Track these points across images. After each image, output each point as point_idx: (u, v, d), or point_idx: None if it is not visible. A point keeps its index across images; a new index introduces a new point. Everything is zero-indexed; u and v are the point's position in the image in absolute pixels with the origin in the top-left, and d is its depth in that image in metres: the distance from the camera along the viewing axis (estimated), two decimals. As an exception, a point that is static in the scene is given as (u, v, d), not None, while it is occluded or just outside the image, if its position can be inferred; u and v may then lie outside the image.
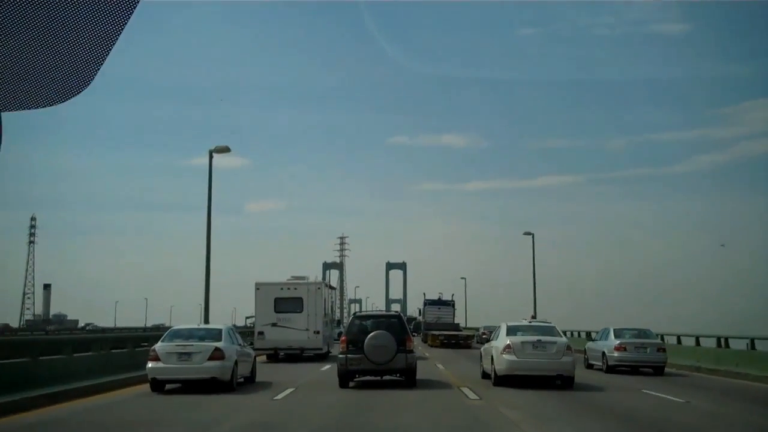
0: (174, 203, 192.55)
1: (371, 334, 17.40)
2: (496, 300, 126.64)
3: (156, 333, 31.69)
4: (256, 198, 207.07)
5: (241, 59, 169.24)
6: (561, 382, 17.79)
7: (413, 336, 22.42)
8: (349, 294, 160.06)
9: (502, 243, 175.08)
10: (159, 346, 16.95)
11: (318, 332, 28.87)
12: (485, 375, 19.68)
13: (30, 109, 2.29)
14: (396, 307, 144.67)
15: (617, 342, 23.78)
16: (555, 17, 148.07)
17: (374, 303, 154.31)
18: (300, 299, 28.85)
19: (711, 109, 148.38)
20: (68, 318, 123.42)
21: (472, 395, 15.72)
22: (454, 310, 50.50)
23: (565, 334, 23.78)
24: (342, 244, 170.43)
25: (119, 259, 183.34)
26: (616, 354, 23.54)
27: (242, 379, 17.99)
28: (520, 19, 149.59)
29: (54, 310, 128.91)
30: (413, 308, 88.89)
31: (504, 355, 17.99)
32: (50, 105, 2.26)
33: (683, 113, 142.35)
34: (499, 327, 20.22)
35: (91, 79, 2.20)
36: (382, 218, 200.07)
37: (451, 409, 13.62)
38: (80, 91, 2.24)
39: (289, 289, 29.29)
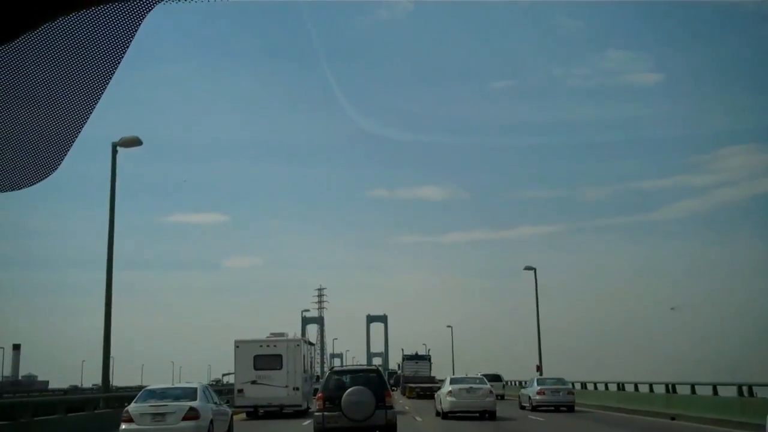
0: (143, 261, 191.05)
1: (349, 390, 16.92)
2: (483, 348, 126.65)
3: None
4: (234, 254, 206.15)
5: (215, 115, 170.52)
6: (488, 416, 25.99)
7: (393, 390, 23.25)
8: (330, 348, 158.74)
9: (483, 292, 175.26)
10: (132, 407, 16.64)
11: (297, 388, 28.71)
12: (437, 413, 27.72)
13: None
14: (378, 361, 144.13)
15: (538, 388, 31.60)
16: (528, 69, 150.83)
17: (355, 357, 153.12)
18: (279, 356, 28.73)
19: (686, 156, 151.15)
20: (39, 379, 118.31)
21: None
22: (431, 363, 54.62)
23: (509, 383, 42.42)
24: (321, 296, 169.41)
25: (85, 318, 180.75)
26: (538, 397, 31.29)
27: None
28: (492, 72, 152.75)
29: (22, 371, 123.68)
30: (396, 361, 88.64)
31: (447, 398, 26.33)
32: (19, 188, 2.12)
33: (659, 161, 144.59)
34: (446, 378, 29.59)
35: (60, 161, 2.08)
36: (362, 271, 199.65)
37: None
38: (49, 174, 2.12)
39: (268, 346, 29.19)
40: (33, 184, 2.14)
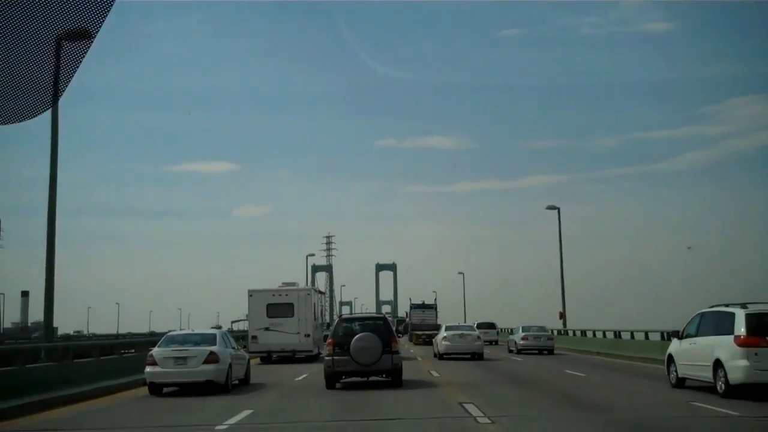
0: (153, 210, 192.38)
1: (357, 336, 17.86)
2: (494, 296, 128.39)
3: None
4: (243, 202, 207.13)
5: (225, 66, 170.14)
6: (476, 356, 30.92)
7: (402, 336, 24.81)
8: (339, 296, 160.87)
9: (493, 242, 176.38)
10: (156, 351, 17.67)
11: (308, 335, 30.20)
12: (435, 355, 32.80)
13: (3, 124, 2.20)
14: (387, 309, 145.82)
15: (522, 334, 36.64)
16: (539, 18, 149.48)
17: (364, 304, 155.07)
18: (291, 305, 30.20)
19: (697, 107, 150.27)
20: None
21: (425, 364, 27.82)
22: (437, 312, 55.94)
23: (502, 330, 51.55)
24: (329, 243, 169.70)
25: (94, 266, 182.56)
26: (522, 342, 36.31)
27: (237, 381, 18.68)
28: (503, 21, 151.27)
29: (31, 318, 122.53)
30: (404, 309, 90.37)
31: (443, 342, 31.55)
32: (19, 121, 2.19)
33: (669, 111, 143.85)
34: (442, 326, 34.70)
35: (60, 95, 2.16)
36: (372, 221, 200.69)
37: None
38: (50, 107, 2.16)
39: (280, 295, 30.66)
40: (33, 117, 2.18)
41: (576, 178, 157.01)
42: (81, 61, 2.19)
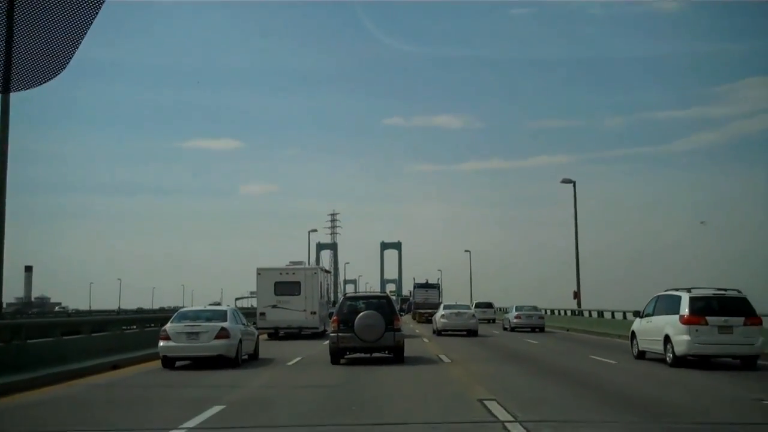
0: (160, 187, 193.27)
1: (361, 314, 18.63)
2: (500, 275, 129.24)
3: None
4: (249, 180, 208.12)
5: (232, 43, 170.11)
6: (471, 333, 33.38)
7: (406, 314, 26.44)
8: (343, 274, 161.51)
9: (499, 221, 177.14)
10: (169, 327, 18.42)
11: (314, 313, 31.34)
12: (434, 331, 35.64)
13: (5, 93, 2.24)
14: (391, 287, 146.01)
15: (516, 313, 40.00)
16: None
17: (368, 283, 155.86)
18: (298, 283, 31.33)
19: (706, 87, 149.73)
20: (51, 301, 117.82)
21: (426, 340, 29.60)
22: (440, 291, 58.51)
23: (499, 309, 54.04)
24: (333, 221, 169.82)
25: (96, 242, 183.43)
26: (515, 320, 39.64)
27: (246, 356, 19.45)
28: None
29: (34, 293, 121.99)
30: (409, 287, 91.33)
31: (441, 320, 34.61)
32: (25, 89, 2.22)
33: (679, 91, 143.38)
34: (441, 305, 38.34)
35: (67, 63, 2.17)
36: (378, 199, 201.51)
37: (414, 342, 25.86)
38: (56, 75, 2.20)
39: (287, 273, 31.80)
40: (41, 84, 2.20)
41: (583, 159, 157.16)
42: (87, 29, 2.20)
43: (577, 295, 43.88)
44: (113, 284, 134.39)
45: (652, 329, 18.92)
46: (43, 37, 2.11)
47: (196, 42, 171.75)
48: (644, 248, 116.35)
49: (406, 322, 39.34)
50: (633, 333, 20.61)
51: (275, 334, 31.18)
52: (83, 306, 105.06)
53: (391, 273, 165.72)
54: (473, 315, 35.14)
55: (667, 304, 18.49)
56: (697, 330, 17.03)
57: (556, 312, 46.39)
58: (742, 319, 17.17)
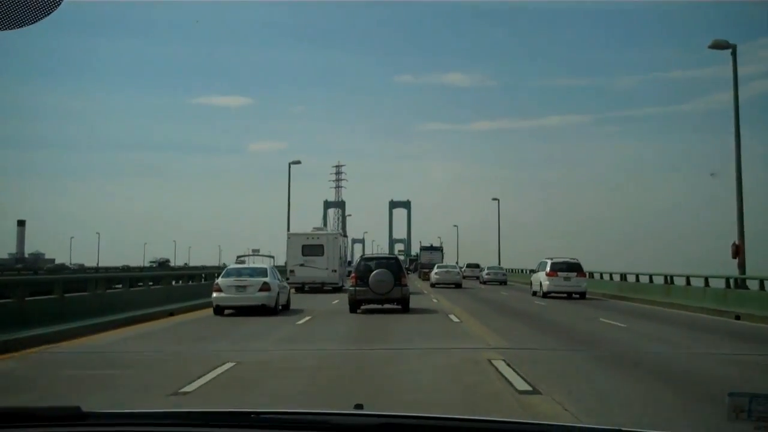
0: (169, 143, 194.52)
1: (374, 272, 22.64)
2: (506, 236, 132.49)
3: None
4: (258, 138, 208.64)
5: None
6: (457, 286, 43.85)
7: (413, 273, 33.89)
8: (350, 233, 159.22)
9: (509, 182, 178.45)
10: (221, 281, 22.52)
11: (335, 271, 37.30)
12: (431, 285, 45.10)
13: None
14: (400, 247, 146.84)
15: (487, 271, 55.99)
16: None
17: (375, 241, 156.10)
18: (321, 246, 37.22)
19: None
20: (45, 257, 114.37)
21: (425, 292, 37.24)
22: (443, 253, 69.65)
23: (516, 271, 62.69)
24: (338, 173, 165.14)
25: (97, 199, 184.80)
26: (486, 276, 54.84)
27: (281, 307, 22.98)
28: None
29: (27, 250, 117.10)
30: (417, 249, 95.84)
31: (435, 276, 45.64)
32: (20, 26, 2.13)
33: (695, 50, 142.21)
34: (435, 265, 50.04)
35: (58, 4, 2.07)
36: (387, 158, 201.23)
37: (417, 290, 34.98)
38: (51, 11, 2.12)
39: (313, 237, 38.00)
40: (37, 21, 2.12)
41: (596, 118, 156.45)
42: None
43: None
44: (103, 240, 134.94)
45: (535, 279, 35.20)
46: None
47: None
48: (658, 208, 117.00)
49: (414, 281, 47.28)
50: (531, 282, 36.66)
51: (301, 288, 36.40)
52: (89, 262, 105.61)
53: (399, 233, 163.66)
54: (458, 272, 47.08)
55: (542, 266, 33.98)
56: (554, 279, 32.41)
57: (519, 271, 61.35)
58: (575, 273, 32.37)
